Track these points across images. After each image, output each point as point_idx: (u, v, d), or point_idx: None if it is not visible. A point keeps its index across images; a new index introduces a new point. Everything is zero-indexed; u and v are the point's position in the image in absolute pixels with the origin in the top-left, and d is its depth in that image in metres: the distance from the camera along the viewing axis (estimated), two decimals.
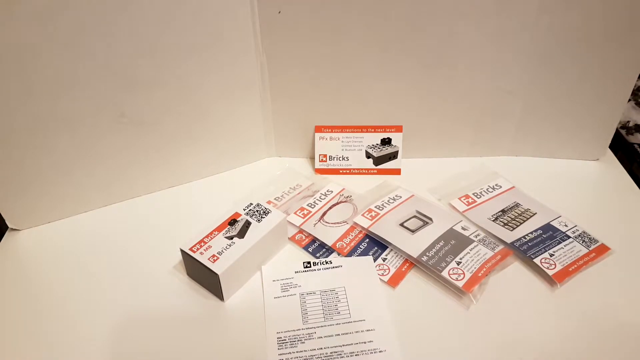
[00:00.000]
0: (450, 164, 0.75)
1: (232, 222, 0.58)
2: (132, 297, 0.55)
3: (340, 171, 0.74)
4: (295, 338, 0.51)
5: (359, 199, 0.68)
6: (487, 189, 0.69)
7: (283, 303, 0.54)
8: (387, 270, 0.58)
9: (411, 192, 0.68)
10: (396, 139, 0.73)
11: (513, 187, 0.69)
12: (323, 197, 0.68)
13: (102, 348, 0.50)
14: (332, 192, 0.69)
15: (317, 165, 0.74)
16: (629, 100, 0.93)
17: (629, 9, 0.60)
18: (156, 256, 0.60)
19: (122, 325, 0.52)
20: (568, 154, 0.75)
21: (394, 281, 0.56)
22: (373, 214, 0.64)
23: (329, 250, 0.61)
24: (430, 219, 0.63)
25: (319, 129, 0.73)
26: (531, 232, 0.62)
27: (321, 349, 0.50)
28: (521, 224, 0.63)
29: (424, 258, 0.57)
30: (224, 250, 0.54)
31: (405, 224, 0.62)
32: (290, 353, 0.49)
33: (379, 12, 0.61)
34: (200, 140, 0.69)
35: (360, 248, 0.61)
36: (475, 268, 0.56)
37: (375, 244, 0.61)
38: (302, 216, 0.65)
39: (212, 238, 0.55)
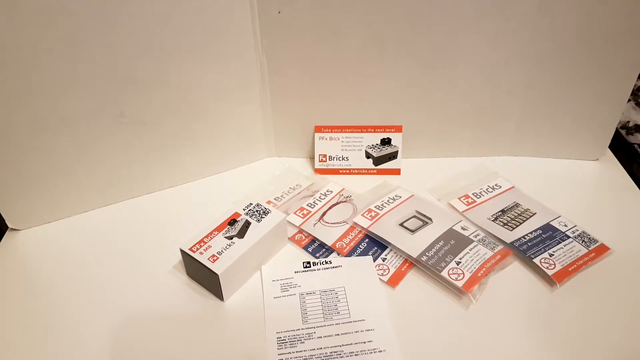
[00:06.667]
0: (450, 164, 0.75)
1: (232, 222, 0.58)
2: (132, 297, 0.56)
3: (340, 171, 0.74)
4: (295, 338, 0.51)
5: (359, 199, 0.68)
6: (486, 189, 0.69)
7: (283, 303, 0.54)
8: (387, 270, 0.58)
9: (411, 192, 0.68)
10: (396, 139, 0.73)
11: (513, 187, 0.69)
12: (323, 197, 0.68)
13: (102, 348, 0.50)
14: (331, 192, 0.69)
15: (317, 165, 0.74)
16: (629, 100, 0.93)
17: (628, 9, 0.60)
18: (156, 256, 0.60)
19: (122, 325, 0.53)
20: (568, 154, 0.75)
21: (393, 281, 0.57)
22: (373, 214, 0.64)
23: (329, 250, 0.61)
24: (430, 219, 0.63)
25: (318, 129, 0.73)
26: (531, 232, 0.62)
27: (321, 348, 0.50)
28: (521, 223, 0.63)
29: (424, 258, 0.57)
30: (223, 250, 0.54)
31: (405, 224, 0.62)
32: (289, 353, 0.49)
33: (379, 12, 0.61)
34: (200, 140, 0.69)
35: (360, 248, 0.61)
36: (474, 268, 0.56)
37: (375, 244, 0.61)
38: (302, 216, 0.65)
39: (211, 238, 0.55)
